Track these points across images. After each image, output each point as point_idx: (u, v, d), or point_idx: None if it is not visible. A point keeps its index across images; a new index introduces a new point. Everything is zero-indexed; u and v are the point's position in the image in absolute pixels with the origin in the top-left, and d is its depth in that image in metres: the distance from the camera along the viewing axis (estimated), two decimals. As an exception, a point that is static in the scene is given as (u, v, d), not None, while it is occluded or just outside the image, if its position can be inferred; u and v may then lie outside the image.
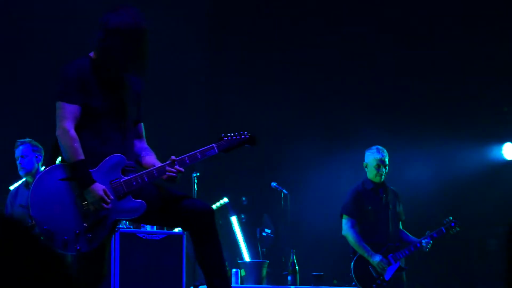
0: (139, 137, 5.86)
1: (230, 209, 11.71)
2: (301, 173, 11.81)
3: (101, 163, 5.53)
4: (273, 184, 10.36)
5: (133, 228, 8.99)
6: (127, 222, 9.09)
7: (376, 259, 9.05)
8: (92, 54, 5.64)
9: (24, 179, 8.58)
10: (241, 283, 9.43)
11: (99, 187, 5.44)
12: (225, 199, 11.69)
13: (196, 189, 9.62)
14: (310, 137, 11.92)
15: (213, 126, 11.82)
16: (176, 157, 5.55)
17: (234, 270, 9.53)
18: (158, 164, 5.63)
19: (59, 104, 5.53)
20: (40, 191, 5.51)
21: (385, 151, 9.34)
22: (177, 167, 5.53)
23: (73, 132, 5.46)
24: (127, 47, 5.50)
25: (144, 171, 5.59)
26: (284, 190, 10.27)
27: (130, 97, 5.70)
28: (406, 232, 9.48)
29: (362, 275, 9.12)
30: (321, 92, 12.10)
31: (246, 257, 11.44)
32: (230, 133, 5.84)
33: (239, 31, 12.45)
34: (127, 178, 5.56)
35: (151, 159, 5.72)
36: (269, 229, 10.52)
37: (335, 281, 10.03)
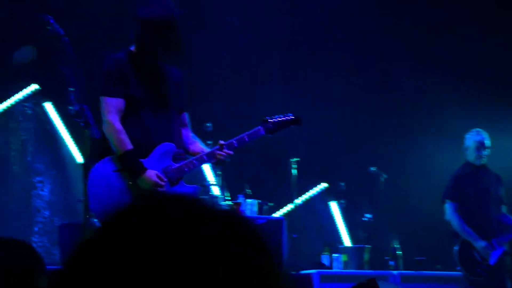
0: (184, 126, 5.92)
1: (329, 194, 11.69)
2: (400, 157, 11.69)
3: (152, 152, 5.62)
4: (372, 168, 10.29)
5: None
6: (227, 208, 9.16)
7: (481, 244, 8.91)
8: (132, 47, 5.73)
9: None
10: (343, 268, 9.41)
11: (151, 173, 5.52)
12: (324, 184, 11.68)
13: (294, 174, 9.62)
14: (409, 121, 11.79)
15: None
16: (224, 141, 5.65)
17: (335, 255, 9.52)
18: (206, 150, 5.75)
19: (102, 99, 5.67)
20: (95, 185, 5.61)
21: (485, 133, 9.17)
22: (225, 150, 5.59)
23: (118, 125, 5.57)
24: (162, 37, 5.59)
25: (194, 157, 5.69)
26: (383, 175, 10.20)
27: (171, 87, 5.77)
28: (510, 216, 9.30)
29: (466, 259, 8.99)
30: (429, 79, 11.92)
31: (347, 242, 11.41)
32: (274, 115, 5.85)
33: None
34: (178, 164, 5.65)
35: (198, 146, 5.85)
36: (369, 214, 10.46)
37: (438, 266, 9.90)
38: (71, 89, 5.39)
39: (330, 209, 11.76)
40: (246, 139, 5.77)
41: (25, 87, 10.42)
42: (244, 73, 11.44)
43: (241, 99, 11.33)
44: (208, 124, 10.17)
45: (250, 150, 11.10)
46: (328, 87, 11.63)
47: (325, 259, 9.50)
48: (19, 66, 10.09)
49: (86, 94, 5.39)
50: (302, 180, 10.03)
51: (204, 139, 10.99)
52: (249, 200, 9.37)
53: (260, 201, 9.46)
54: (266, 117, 5.87)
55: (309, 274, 8.43)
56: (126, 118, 5.65)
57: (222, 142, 5.64)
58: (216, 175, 10.07)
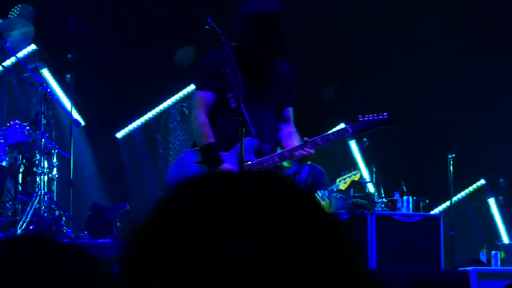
0: (286, 121, 5.88)
1: (488, 190, 11.49)
2: None
3: (234, 147, 5.65)
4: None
5: (389, 211, 9.06)
6: (383, 205, 9.18)
7: None
8: (235, 43, 5.70)
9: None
10: (501, 265, 9.25)
11: (227, 167, 5.56)
12: (482, 181, 11.49)
13: (451, 170, 9.52)
14: None
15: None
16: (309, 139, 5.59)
17: (493, 252, 9.37)
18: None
19: (194, 92, 5.79)
20: (177, 176, 5.72)
21: None
22: (306, 149, 5.56)
23: (201, 118, 5.66)
24: (263, 32, 5.56)
25: (276, 153, 5.67)
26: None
27: (273, 82, 5.71)
28: None
29: None
30: None
31: (505, 239, 11.19)
32: (368, 114, 5.71)
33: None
34: (258, 160, 5.67)
35: (291, 142, 5.76)
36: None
37: None
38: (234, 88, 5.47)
39: (489, 205, 11.56)
40: (331, 138, 5.71)
41: (184, 87, 10.74)
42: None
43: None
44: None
45: (404, 147, 11.08)
46: (492, 83, 11.43)
47: (483, 257, 9.37)
48: (180, 66, 10.40)
49: (242, 93, 5.49)
50: (460, 176, 9.91)
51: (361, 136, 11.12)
52: (405, 197, 9.34)
53: (416, 198, 9.41)
54: (359, 116, 5.76)
55: (466, 271, 8.33)
56: (219, 113, 5.73)
57: (306, 139, 5.61)
58: (371, 172, 10.09)
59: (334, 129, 5.74)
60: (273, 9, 5.61)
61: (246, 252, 1.07)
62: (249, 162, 5.67)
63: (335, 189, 8.13)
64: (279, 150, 5.88)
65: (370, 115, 5.77)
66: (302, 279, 1.08)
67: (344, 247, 1.17)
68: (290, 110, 5.97)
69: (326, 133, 5.73)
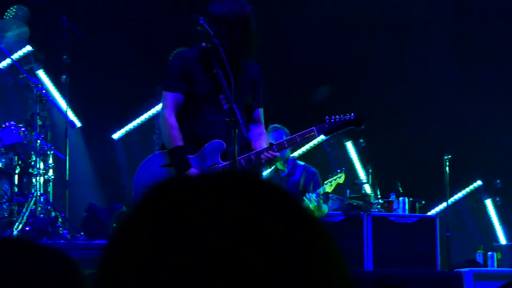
0: (255, 122, 5.82)
1: (484, 191, 11.50)
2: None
3: (201, 149, 5.64)
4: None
5: (385, 212, 9.06)
6: (379, 206, 9.18)
7: None
8: (204, 44, 5.67)
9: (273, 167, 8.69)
10: (498, 266, 9.26)
11: (193, 172, 5.50)
12: (479, 182, 11.49)
13: (448, 171, 9.52)
14: None
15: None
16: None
17: (490, 253, 9.38)
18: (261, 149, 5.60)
19: (163, 93, 5.74)
20: (142, 178, 5.72)
21: None
22: (271, 152, 5.51)
23: (171, 120, 5.62)
24: (232, 33, 5.53)
25: (242, 156, 5.59)
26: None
27: (241, 83, 5.65)
28: None
29: None
30: None
31: (502, 240, 11.19)
32: (334, 115, 5.71)
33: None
34: (225, 163, 5.62)
35: (259, 143, 5.68)
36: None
37: None
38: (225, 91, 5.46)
39: (486, 206, 11.56)
40: (298, 140, 5.67)
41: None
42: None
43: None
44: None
45: (400, 148, 11.09)
46: (490, 84, 11.44)
47: (479, 258, 9.37)
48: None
49: (234, 94, 5.47)
50: (456, 177, 9.91)
51: (358, 137, 11.14)
52: (401, 198, 9.34)
53: (412, 199, 9.41)
54: (326, 117, 5.73)
55: (459, 272, 8.34)
56: (186, 113, 5.71)
57: (272, 142, 5.59)
58: (367, 173, 10.10)
59: (302, 132, 5.67)
60: (242, 11, 5.60)
61: (226, 252, 1.07)
62: (216, 165, 5.65)
63: (321, 192, 8.13)
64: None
65: (338, 116, 5.73)
66: (280, 281, 1.08)
67: (320, 245, 1.16)
68: (260, 111, 5.91)
69: (292, 136, 5.72)
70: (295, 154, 10.08)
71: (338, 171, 8.36)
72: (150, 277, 1.07)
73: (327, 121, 5.72)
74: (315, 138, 5.64)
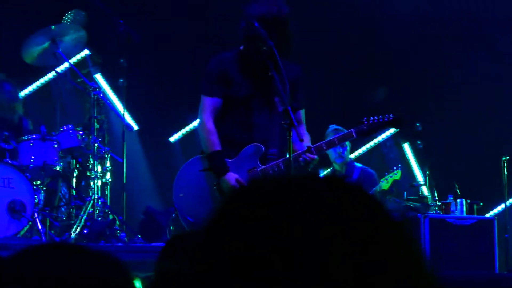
0: (297, 123, 5.66)
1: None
2: None
3: (240, 153, 5.64)
4: None
5: (442, 214, 8.98)
6: (436, 208, 9.10)
7: None
8: (242, 47, 5.71)
9: (331, 168, 8.64)
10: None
11: (231, 176, 5.52)
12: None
13: (506, 173, 9.38)
14: None
15: None
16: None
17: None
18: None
19: (201, 97, 5.74)
20: (182, 183, 5.71)
21: None
22: (309, 154, 5.46)
23: (209, 125, 5.64)
24: (270, 34, 5.49)
25: (281, 159, 5.59)
26: None
27: (281, 84, 5.58)
28: None
29: None
30: None
31: None
32: (373, 116, 5.62)
33: None
34: (264, 166, 5.61)
35: (300, 145, 5.59)
36: None
37: None
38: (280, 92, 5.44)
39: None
40: (336, 142, 5.63)
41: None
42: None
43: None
44: (417, 124, 10.16)
45: (458, 149, 10.98)
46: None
47: (538, 260, 9.24)
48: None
49: (289, 97, 5.45)
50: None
51: (415, 139, 11.07)
52: (458, 200, 9.25)
53: (470, 200, 9.31)
54: (364, 118, 5.67)
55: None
56: (225, 117, 5.73)
57: (309, 145, 5.54)
58: (425, 174, 10.02)
59: (340, 133, 5.62)
60: (280, 12, 5.59)
61: (243, 254, 1.08)
62: (255, 169, 5.66)
63: (378, 190, 8.06)
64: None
65: (376, 117, 5.68)
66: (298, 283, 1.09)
67: (408, 248, 1.17)
68: (301, 112, 5.90)
69: (331, 138, 5.68)
70: (352, 156, 10.03)
71: (394, 168, 8.29)
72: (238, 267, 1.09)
73: (365, 122, 5.69)
74: (353, 139, 5.56)
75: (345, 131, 8.07)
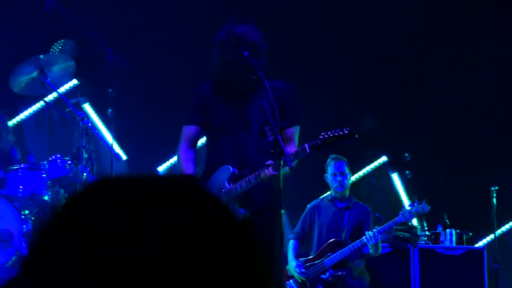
0: (287, 141, 5.74)
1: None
2: None
3: (212, 176, 5.75)
4: None
5: (432, 244, 8.97)
6: (425, 238, 9.09)
7: None
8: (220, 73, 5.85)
9: (328, 193, 8.47)
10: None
11: None
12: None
13: (495, 203, 9.37)
14: None
15: None
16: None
17: None
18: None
19: (182, 127, 5.96)
20: None
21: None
22: (270, 170, 5.43)
23: (182, 152, 5.89)
24: (227, 57, 5.66)
25: (243, 179, 5.66)
26: None
27: (260, 105, 5.57)
28: None
29: None
30: None
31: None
32: (330, 131, 5.61)
33: None
34: (230, 187, 5.69)
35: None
36: None
37: None
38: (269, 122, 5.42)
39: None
40: (291, 158, 5.52)
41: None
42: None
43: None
44: (406, 154, 10.17)
45: (446, 179, 10.99)
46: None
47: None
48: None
49: (278, 125, 5.43)
50: (503, 208, 9.78)
51: (404, 169, 11.08)
52: (448, 230, 9.25)
53: (459, 230, 9.31)
54: (322, 133, 5.65)
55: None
56: (208, 142, 5.98)
57: (269, 162, 5.48)
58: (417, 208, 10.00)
59: (294, 150, 5.60)
60: (232, 34, 5.70)
61: (153, 252, 1.06)
62: (222, 191, 5.70)
63: (398, 222, 7.96)
64: None
65: (332, 131, 5.63)
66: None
67: (247, 249, 1.13)
68: (292, 129, 5.87)
69: (286, 154, 5.58)
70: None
71: (423, 201, 8.10)
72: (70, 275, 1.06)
73: (321, 137, 5.65)
74: (306, 153, 5.51)
75: (345, 159, 8.08)
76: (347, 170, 8.15)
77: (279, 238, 5.09)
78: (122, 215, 1.08)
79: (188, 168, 5.83)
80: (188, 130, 5.94)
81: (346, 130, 5.67)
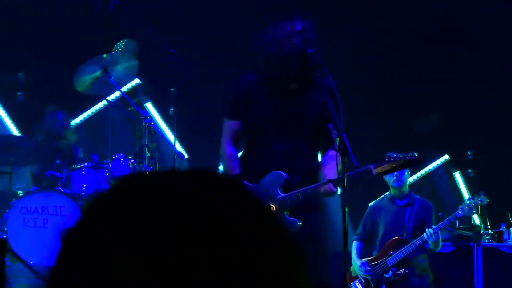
0: (331, 143, 5.51)
1: None
2: None
3: (262, 180, 5.40)
4: None
5: (495, 242, 8.88)
6: (488, 237, 8.99)
7: None
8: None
9: (388, 192, 8.44)
10: None
11: None
12: None
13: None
14: None
15: None
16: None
17: None
18: (332, 176, 5.29)
19: (223, 120, 5.61)
20: None
21: None
22: (327, 188, 5.24)
23: (228, 148, 5.50)
24: (280, 54, 5.36)
25: (300, 189, 5.33)
26: None
27: (308, 104, 5.45)
28: None
29: None
30: None
31: None
32: (396, 153, 5.41)
33: None
34: (282, 195, 5.36)
35: (328, 169, 5.39)
36: None
37: None
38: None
39: None
40: (357, 177, 5.33)
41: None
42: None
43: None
44: (468, 152, 10.08)
45: (510, 177, 10.87)
46: None
47: None
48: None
49: (343, 122, 5.32)
50: None
51: (466, 167, 10.99)
52: (511, 229, 9.15)
53: (524, 230, 9.21)
54: (386, 154, 5.47)
55: None
56: (248, 141, 5.57)
57: (329, 178, 5.28)
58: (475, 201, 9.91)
59: (360, 168, 5.41)
60: (285, 30, 5.43)
61: (170, 252, 1.05)
62: (273, 197, 5.37)
63: (458, 216, 7.90)
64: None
65: (399, 155, 5.46)
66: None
67: (279, 252, 1.10)
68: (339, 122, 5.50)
69: (351, 172, 5.33)
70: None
71: (481, 193, 8.07)
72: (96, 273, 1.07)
73: (387, 159, 5.47)
74: (372, 175, 5.35)
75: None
76: None
77: (343, 237, 4.92)
78: (141, 212, 1.08)
79: (234, 167, 5.48)
80: (231, 125, 5.58)
81: (414, 156, 5.52)
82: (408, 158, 5.50)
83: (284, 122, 5.48)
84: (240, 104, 5.55)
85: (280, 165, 5.43)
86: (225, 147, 5.56)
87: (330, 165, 5.42)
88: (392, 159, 5.48)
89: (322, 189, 5.30)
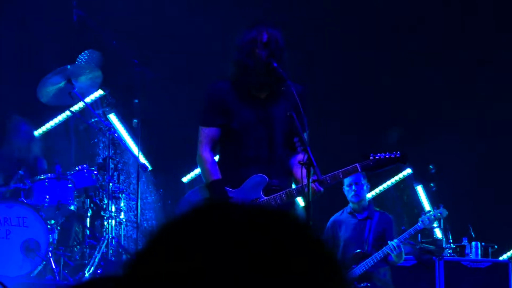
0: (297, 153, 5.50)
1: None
2: None
3: (243, 184, 5.49)
4: None
5: (457, 256, 8.93)
6: (450, 250, 9.06)
7: None
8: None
9: (348, 206, 8.47)
10: None
11: None
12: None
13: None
14: None
15: None
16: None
17: None
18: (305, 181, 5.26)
19: (199, 128, 5.63)
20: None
21: None
22: (317, 185, 5.28)
23: (205, 155, 5.52)
24: (247, 60, 5.45)
25: (284, 191, 5.45)
26: None
27: (278, 112, 5.51)
28: None
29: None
30: None
31: None
32: (379, 152, 5.56)
33: None
34: (266, 198, 5.47)
35: (299, 170, 5.36)
36: None
37: None
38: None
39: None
40: (341, 176, 5.50)
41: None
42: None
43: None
44: (430, 166, 10.15)
45: (472, 192, 10.95)
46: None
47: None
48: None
49: (308, 136, 5.36)
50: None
51: (428, 181, 11.04)
52: (473, 243, 9.21)
53: (484, 243, 9.28)
54: (370, 153, 5.59)
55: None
56: (224, 148, 5.63)
57: (315, 177, 5.27)
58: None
59: (345, 168, 5.52)
60: (253, 36, 5.51)
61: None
62: (257, 200, 5.48)
63: (418, 229, 7.95)
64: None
65: (383, 154, 5.60)
66: None
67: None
68: (305, 135, 5.54)
69: (335, 172, 5.53)
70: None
71: (441, 206, 8.14)
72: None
73: (371, 157, 5.60)
74: (357, 173, 5.48)
75: (362, 173, 8.05)
76: (363, 181, 8.16)
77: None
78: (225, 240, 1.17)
79: (215, 172, 5.50)
80: (208, 132, 5.59)
81: (398, 154, 5.63)
82: (392, 156, 5.62)
83: (260, 128, 5.56)
84: (216, 111, 5.59)
85: (258, 170, 5.51)
86: (203, 153, 5.56)
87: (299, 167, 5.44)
88: (376, 157, 5.59)
89: (306, 190, 5.29)
